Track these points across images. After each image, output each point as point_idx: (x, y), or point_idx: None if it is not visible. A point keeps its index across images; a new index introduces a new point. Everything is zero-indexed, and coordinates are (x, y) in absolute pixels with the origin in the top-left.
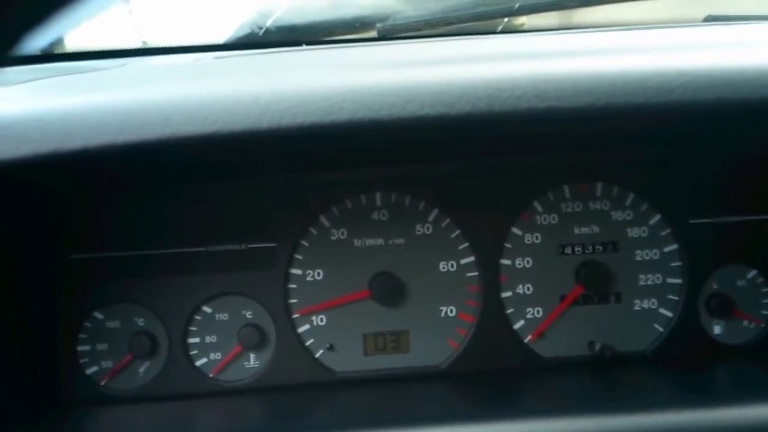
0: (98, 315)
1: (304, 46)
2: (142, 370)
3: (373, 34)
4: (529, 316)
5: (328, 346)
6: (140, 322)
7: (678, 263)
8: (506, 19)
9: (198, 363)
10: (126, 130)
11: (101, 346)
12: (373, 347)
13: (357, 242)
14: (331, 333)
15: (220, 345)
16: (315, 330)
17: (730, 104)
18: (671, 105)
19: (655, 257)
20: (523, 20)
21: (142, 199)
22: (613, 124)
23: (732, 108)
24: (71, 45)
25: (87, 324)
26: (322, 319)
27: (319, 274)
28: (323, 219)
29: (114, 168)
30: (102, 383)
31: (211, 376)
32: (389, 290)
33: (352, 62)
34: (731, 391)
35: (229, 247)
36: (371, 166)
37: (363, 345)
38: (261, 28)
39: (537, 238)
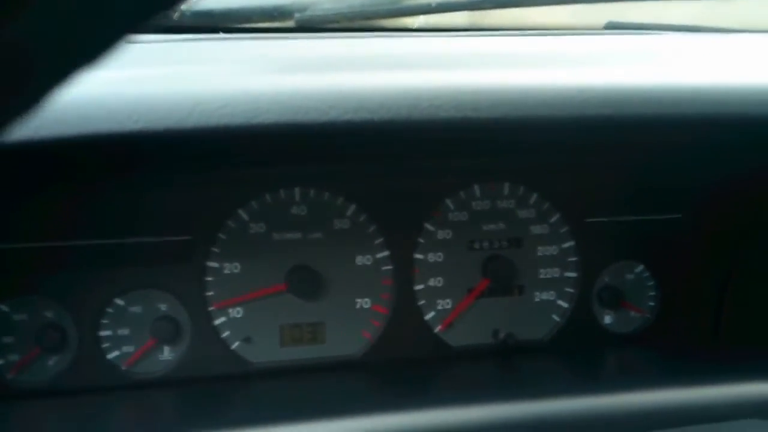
0: (4, 307)
1: (221, 34)
2: (51, 363)
3: (291, 23)
4: (439, 307)
5: (244, 337)
6: (48, 314)
7: (575, 258)
8: (423, 17)
9: (110, 356)
10: (44, 127)
11: (7, 339)
12: (290, 338)
13: (275, 236)
14: (248, 325)
15: (133, 338)
16: (231, 322)
17: (626, 119)
18: (573, 119)
19: (555, 253)
20: (438, 18)
21: (53, 190)
22: (526, 133)
23: (628, 122)
24: None
25: None
26: (238, 312)
27: (236, 267)
28: (241, 212)
29: (27, 162)
30: (8, 377)
31: (123, 368)
32: (306, 283)
33: (277, 59)
34: (619, 377)
35: (145, 239)
36: (292, 163)
37: (280, 336)
38: (175, 12)
39: (448, 234)
